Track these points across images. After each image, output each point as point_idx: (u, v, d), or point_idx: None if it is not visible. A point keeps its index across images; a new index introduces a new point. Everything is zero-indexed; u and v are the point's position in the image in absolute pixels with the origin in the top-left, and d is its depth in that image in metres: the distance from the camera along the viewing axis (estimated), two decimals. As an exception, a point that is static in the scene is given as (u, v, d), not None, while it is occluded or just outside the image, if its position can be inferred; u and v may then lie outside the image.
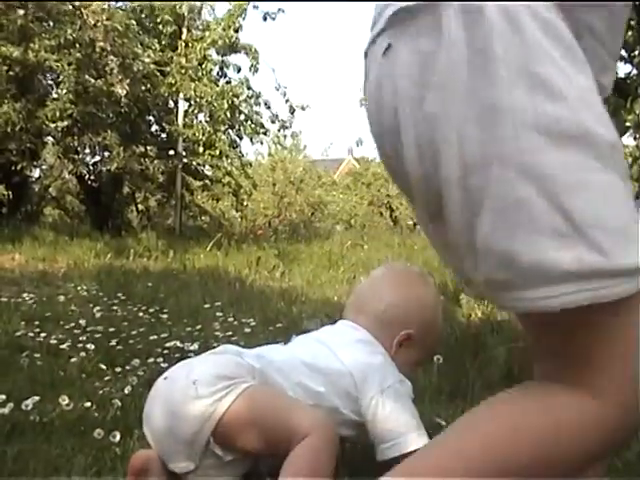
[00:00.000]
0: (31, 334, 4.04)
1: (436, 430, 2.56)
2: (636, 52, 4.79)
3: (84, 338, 3.94)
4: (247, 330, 4.33)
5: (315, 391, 2.05)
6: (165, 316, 4.82)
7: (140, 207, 18.05)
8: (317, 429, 1.85)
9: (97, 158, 14.76)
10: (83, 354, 3.59)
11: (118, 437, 2.36)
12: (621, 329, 1.19)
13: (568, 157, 1.11)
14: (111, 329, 4.19)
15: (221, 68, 16.40)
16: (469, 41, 1.15)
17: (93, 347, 3.69)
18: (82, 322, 4.37)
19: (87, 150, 14.62)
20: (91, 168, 14.89)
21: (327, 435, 1.86)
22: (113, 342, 3.84)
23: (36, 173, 15.77)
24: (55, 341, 3.87)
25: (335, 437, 1.89)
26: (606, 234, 1.11)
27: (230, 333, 4.20)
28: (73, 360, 3.49)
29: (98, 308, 4.95)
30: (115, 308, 5.10)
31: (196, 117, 16.06)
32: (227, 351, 2.12)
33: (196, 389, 1.92)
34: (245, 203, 18.50)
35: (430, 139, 1.21)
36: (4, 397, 2.72)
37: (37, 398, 2.67)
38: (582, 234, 1.11)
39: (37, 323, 4.35)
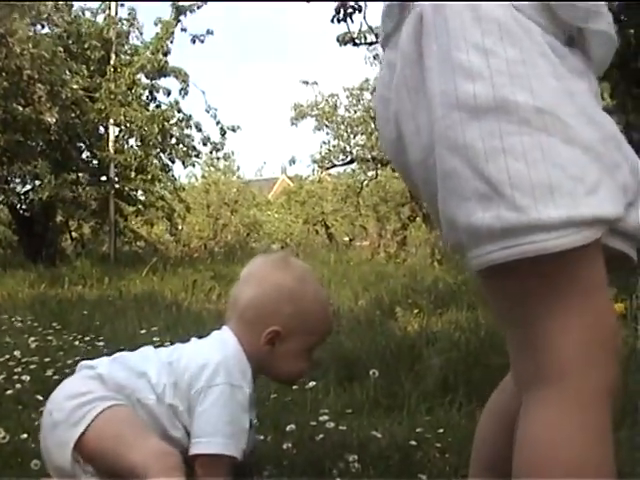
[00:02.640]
0: (-35, 368, 3.99)
1: (374, 443, 2.62)
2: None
3: (19, 370, 3.89)
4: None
5: (156, 387, 2.02)
6: (101, 343, 4.79)
7: (74, 235, 17.87)
8: (153, 474, 1.81)
9: (28, 187, 14.60)
10: (19, 386, 3.56)
11: (56, 467, 2.36)
12: (571, 288, 1.25)
13: (485, 127, 1.23)
14: (46, 359, 4.16)
15: (151, 92, 16.36)
16: (414, 46, 1.34)
17: (29, 378, 3.65)
18: (17, 353, 4.31)
19: (17, 179, 14.47)
20: (22, 197, 14.73)
21: (168, 475, 1.82)
22: (49, 372, 3.81)
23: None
24: (-11, 374, 3.84)
25: (175, 466, 1.85)
26: (524, 192, 1.20)
27: (167, 358, 4.19)
28: (9, 392, 3.46)
29: (33, 339, 4.90)
30: (50, 338, 5.05)
31: (127, 142, 16.00)
32: (81, 367, 2.15)
33: (52, 418, 2.00)
34: (179, 227, 18.44)
35: (399, 133, 1.42)
36: (-61, 433, 2.70)
37: (-28, 431, 2.66)
38: (500, 194, 1.21)
39: (-30, 356, 4.31)
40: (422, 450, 2.57)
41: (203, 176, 23.71)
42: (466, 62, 1.25)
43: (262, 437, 2.71)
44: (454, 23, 1.28)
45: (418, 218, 20.18)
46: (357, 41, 10.44)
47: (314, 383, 3.49)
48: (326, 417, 2.86)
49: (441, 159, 1.28)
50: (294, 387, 3.44)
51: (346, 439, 2.68)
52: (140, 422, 1.98)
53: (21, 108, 13.03)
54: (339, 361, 4.00)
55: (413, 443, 2.60)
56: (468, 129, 1.24)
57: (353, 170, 22.05)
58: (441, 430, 2.80)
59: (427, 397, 3.38)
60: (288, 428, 2.76)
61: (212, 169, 23.70)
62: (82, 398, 1.98)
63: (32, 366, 3.99)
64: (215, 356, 2.05)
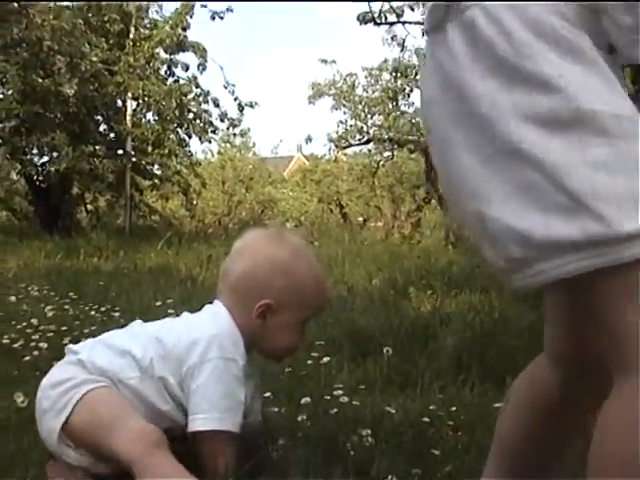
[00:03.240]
0: (-17, 334, 4.04)
1: (387, 419, 2.64)
2: None
3: (37, 337, 3.94)
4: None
5: (141, 362, 2.04)
6: (117, 314, 4.83)
7: (89, 207, 17.93)
8: (135, 457, 1.85)
9: (45, 158, 14.62)
10: (36, 353, 3.60)
11: (72, 432, 2.39)
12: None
13: (564, 140, 1.22)
14: (63, 328, 4.20)
15: (169, 67, 16.35)
16: (465, 52, 1.33)
17: (46, 346, 3.70)
18: (34, 321, 4.36)
19: (35, 150, 14.50)
20: (39, 168, 14.75)
21: (149, 455, 1.86)
22: (66, 340, 3.84)
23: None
24: (7, 340, 3.88)
25: (155, 443, 1.89)
26: (608, 204, 1.19)
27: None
28: (26, 359, 3.51)
29: (50, 307, 4.94)
30: (67, 307, 5.10)
31: (144, 116, 16.01)
32: (67, 352, 2.17)
33: (41, 406, 2.06)
34: (194, 202, 18.48)
35: (446, 137, 1.40)
36: (-41, 395, 2.75)
37: (-8, 395, 2.70)
38: (584, 207, 1.20)
39: (-11, 323, 4.36)
40: (435, 427, 2.59)
41: (219, 152, 23.69)
42: (539, 74, 1.25)
43: (277, 409, 2.74)
44: (517, 34, 1.27)
45: (433, 200, 20.13)
46: (378, 20, 10.36)
47: (328, 359, 3.52)
48: (340, 392, 2.88)
49: (514, 172, 1.27)
50: (309, 362, 3.48)
51: (359, 414, 2.71)
52: (119, 402, 2.00)
53: (40, 79, 13.04)
54: (353, 338, 4.02)
55: (426, 420, 2.62)
56: (546, 142, 1.23)
57: (369, 150, 21.95)
58: (454, 408, 2.82)
59: (440, 376, 3.39)
60: (303, 401, 2.79)
61: (228, 145, 23.67)
62: (64, 385, 2.02)
63: (49, 334, 4.04)
64: (206, 331, 2.06)
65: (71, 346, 2.17)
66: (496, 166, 1.29)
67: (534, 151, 1.24)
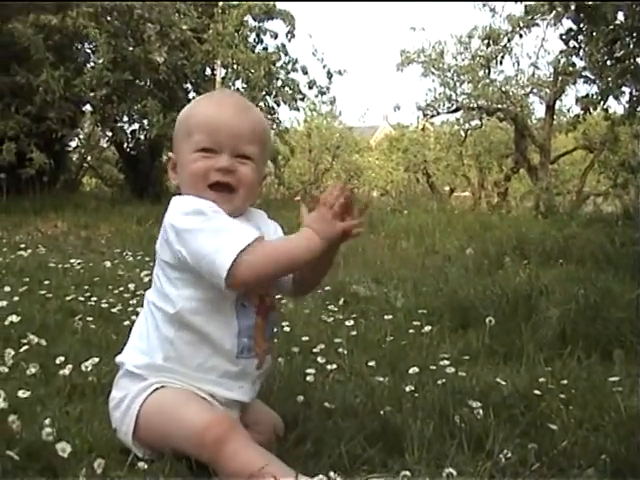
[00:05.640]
0: (81, 298, 4.06)
1: (496, 391, 2.56)
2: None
3: (134, 302, 3.94)
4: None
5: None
6: (213, 280, 4.82)
7: (178, 175, 18.10)
8: (207, 460, 1.83)
9: (135, 126, 14.77)
10: (134, 318, 3.59)
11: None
12: None
13: None
14: (161, 293, 4.21)
15: (257, 34, 16.33)
16: None
17: (144, 311, 3.70)
18: (131, 286, 4.38)
19: (125, 118, 14.65)
20: (129, 136, 14.91)
21: (217, 456, 1.81)
22: (164, 306, 3.84)
23: (73, 142, 15.83)
24: (106, 305, 3.89)
25: (217, 440, 1.83)
26: None
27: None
28: (125, 324, 3.51)
29: (145, 272, 4.95)
30: (162, 273, 5.10)
31: (233, 84, 16.03)
32: (118, 364, 2.16)
33: (113, 425, 2.07)
34: (282, 169, 18.51)
35: None
36: (62, 359, 2.75)
37: (97, 360, 2.70)
38: None
39: (86, 287, 4.38)
40: (545, 401, 2.50)
41: (305, 120, 23.73)
42: None
43: (381, 379, 2.69)
44: None
45: (522, 170, 19.84)
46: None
47: (429, 328, 3.46)
48: (446, 362, 2.82)
49: None
50: (410, 331, 3.43)
51: (467, 385, 2.64)
52: (169, 405, 1.98)
53: (131, 48, 13.15)
54: (453, 308, 3.96)
55: (537, 393, 2.54)
56: None
57: (457, 119, 21.72)
58: (564, 382, 2.73)
59: (543, 348, 3.30)
60: (411, 371, 2.73)
61: (314, 114, 23.67)
62: (122, 405, 2.04)
63: (147, 299, 4.03)
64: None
65: (117, 359, 2.17)
66: None
67: None
